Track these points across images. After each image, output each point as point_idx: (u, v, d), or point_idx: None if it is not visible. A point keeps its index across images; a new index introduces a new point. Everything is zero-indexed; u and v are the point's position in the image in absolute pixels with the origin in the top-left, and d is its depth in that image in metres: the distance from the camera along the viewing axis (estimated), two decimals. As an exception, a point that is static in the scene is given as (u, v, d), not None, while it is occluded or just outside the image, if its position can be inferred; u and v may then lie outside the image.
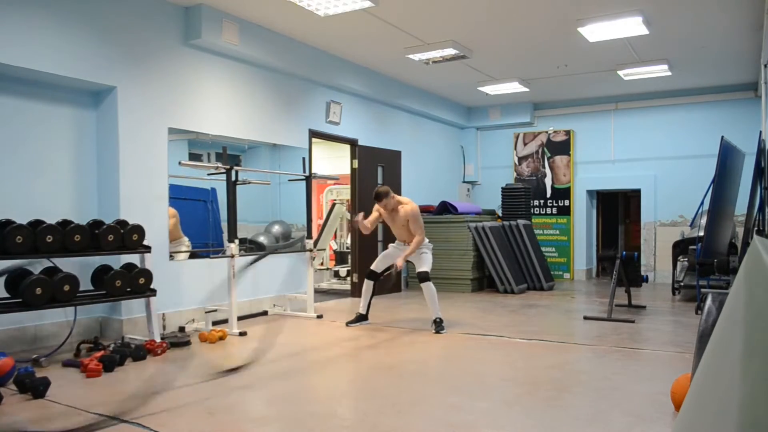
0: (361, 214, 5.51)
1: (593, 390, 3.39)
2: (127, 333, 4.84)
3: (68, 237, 4.06)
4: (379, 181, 7.93)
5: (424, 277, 5.27)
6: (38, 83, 4.62)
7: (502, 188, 9.28)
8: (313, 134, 7.05)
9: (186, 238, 5.94)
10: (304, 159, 6.46)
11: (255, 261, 5.92)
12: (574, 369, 3.97)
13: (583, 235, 9.86)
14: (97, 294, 4.39)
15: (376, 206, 5.46)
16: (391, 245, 5.70)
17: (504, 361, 4.16)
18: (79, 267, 4.51)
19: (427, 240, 5.49)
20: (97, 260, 4.64)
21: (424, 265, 5.34)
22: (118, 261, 4.68)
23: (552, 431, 2.73)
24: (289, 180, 6.48)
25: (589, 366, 4.05)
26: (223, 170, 5.20)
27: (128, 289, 4.45)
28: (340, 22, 5.80)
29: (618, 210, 11.10)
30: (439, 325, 5.16)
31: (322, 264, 8.93)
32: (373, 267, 5.57)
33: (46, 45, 4.40)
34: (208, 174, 5.80)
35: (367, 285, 5.56)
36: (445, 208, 8.52)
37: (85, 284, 4.37)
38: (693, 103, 8.93)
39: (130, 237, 4.47)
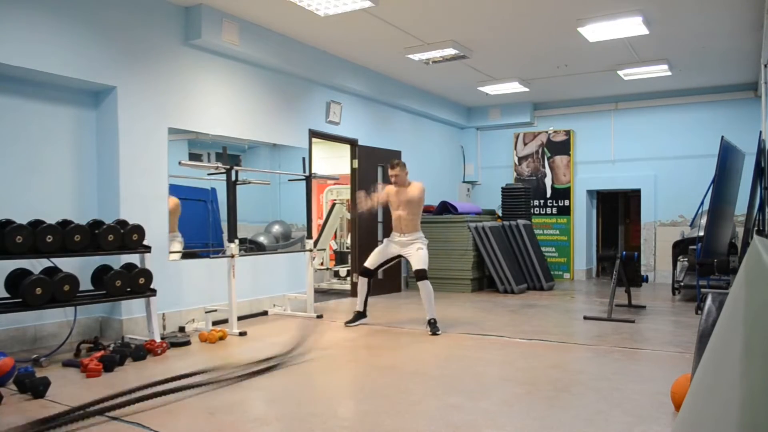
0: (362, 192, 5.72)
1: (593, 390, 3.39)
2: (127, 333, 4.84)
3: (68, 237, 4.06)
4: (379, 181, 7.92)
5: (421, 275, 5.26)
6: (38, 83, 4.62)
7: (502, 188, 9.28)
8: (313, 134, 7.05)
9: (179, 234, 5.79)
10: (304, 159, 6.46)
11: None
12: (574, 369, 3.97)
13: (583, 235, 9.86)
14: (97, 294, 4.39)
15: (387, 188, 5.58)
16: (385, 239, 5.71)
17: (504, 361, 4.16)
18: (79, 267, 4.51)
19: (422, 234, 5.51)
20: (97, 260, 4.64)
21: (421, 262, 5.32)
22: (118, 261, 4.68)
23: (552, 431, 2.73)
24: (289, 180, 6.47)
25: (589, 366, 4.05)
26: (223, 170, 5.20)
27: (128, 289, 4.45)
28: (340, 22, 5.80)
29: (618, 210, 11.10)
30: (434, 326, 5.13)
31: (322, 264, 8.93)
32: (367, 264, 5.57)
33: (46, 45, 4.40)
34: (208, 174, 5.79)
35: (362, 282, 5.56)
36: (445, 208, 8.51)
37: (85, 284, 4.37)
38: (693, 103, 8.92)
39: (130, 237, 4.47)
